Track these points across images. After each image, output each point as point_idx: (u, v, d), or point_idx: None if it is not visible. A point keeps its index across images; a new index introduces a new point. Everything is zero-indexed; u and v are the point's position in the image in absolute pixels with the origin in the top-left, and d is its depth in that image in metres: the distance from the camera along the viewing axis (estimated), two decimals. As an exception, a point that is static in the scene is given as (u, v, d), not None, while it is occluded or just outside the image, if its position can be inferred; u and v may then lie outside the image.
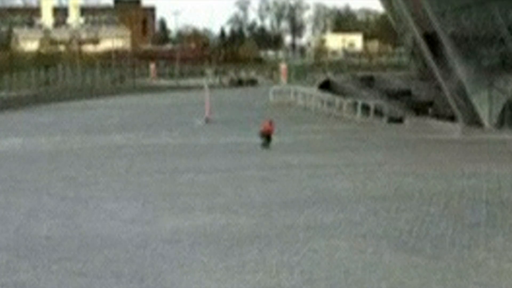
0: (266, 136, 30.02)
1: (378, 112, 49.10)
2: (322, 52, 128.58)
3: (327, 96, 58.86)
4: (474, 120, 49.40)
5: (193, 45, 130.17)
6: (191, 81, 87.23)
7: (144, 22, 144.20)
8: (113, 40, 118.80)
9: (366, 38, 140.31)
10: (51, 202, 17.31)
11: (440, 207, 15.89)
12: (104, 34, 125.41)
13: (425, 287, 10.36)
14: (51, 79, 74.78)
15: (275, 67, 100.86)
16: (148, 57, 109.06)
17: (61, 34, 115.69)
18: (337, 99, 54.37)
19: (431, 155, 28.73)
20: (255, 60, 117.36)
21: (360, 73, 79.85)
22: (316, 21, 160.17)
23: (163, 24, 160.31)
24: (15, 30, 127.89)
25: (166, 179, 21.51)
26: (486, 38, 49.82)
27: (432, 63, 55.13)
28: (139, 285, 10.51)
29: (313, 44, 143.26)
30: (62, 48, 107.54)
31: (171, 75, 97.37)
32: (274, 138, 30.56)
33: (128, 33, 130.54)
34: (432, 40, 53.87)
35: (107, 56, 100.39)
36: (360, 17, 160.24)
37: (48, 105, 61.09)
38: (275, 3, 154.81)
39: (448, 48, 51.73)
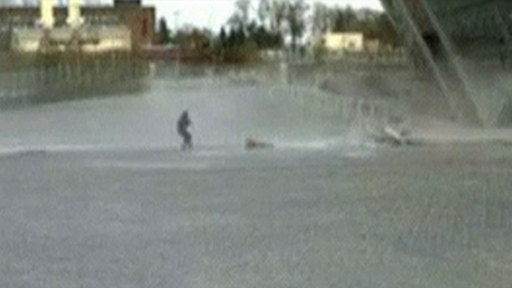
0: None
1: (378, 112, 49.14)
2: (322, 52, 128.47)
3: (327, 96, 58.91)
4: (474, 120, 49.40)
5: (193, 45, 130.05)
6: (191, 81, 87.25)
7: (144, 22, 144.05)
8: (113, 40, 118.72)
9: (366, 38, 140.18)
10: (51, 202, 17.31)
11: (440, 207, 15.88)
12: (104, 34, 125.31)
13: (425, 287, 10.36)
14: (51, 79, 74.77)
15: (275, 67, 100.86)
16: (148, 57, 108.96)
17: (61, 34, 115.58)
18: (337, 99, 54.43)
19: (431, 155, 28.73)
20: (255, 60, 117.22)
21: (360, 73, 79.85)
22: (316, 21, 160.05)
23: (163, 24, 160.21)
24: (15, 30, 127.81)
25: (166, 179, 21.51)
26: (486, 38, 49.86)
27: (432, 63, 55.14)
28: (139, 285, 10.51)
29: (313, 44, 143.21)
30: (62, 48, 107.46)
31: (171, 75, 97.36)
32: (275, 138, 30.61)
33: (128, 33, 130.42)
34: (432, 40, 53.89)
35: (107, 56, 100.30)
36: (360, 17, 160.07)
37: (48, 105, 61.10)
38: (275, 3, 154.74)
39: (448, 48, 51.73)
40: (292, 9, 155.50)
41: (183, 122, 34.34)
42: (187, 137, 34.21)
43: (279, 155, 29.86)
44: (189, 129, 34.29)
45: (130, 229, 14.06)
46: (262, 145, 34.60)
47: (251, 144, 34.62)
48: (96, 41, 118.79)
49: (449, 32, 51.68)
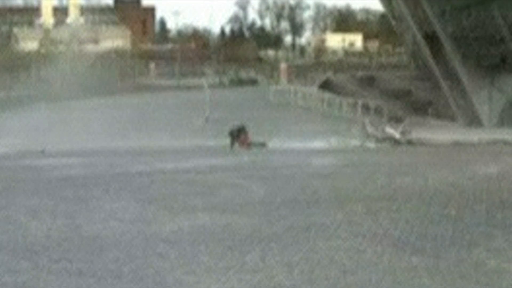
0: None
1: (378, 112, 49.19)
2: (322, 51, 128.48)
3: (327, 96, 58.92)
4: (474, 120, 49.45)
5: (193, 45, 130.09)
6: (191, 81, 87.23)
7: (144, 22, 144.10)
8: (113, 40, 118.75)
9: (366, 38, 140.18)
10: (51, 202, 17.30)
11: (440, 207, 15.88)
12: (104, 34, 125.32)
13: (425, 287, 10.36)
14: (50, 79, 74.83)
15: (275, 67, 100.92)
16: (148, 57, 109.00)
17: (61, 34, 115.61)
18: (337, 99, 54.45)
19: (431, 155, 28.71)
20: (255, 60, 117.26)
21: (360, 73, 79.88)
22: (316, 21, 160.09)
23: (163, 24, 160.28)
24: (15, 30, 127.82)
25: (166, 179, 21.50)
26: (486, 38, 49.85)
27: (432, 63, 55.13)
28: (139, 285, 10.51)
29: (313, 44, 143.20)
30: (62, 48, 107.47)
31: (171, 75, 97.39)
32: (275, 139, 30.58)
33: (128, 33, 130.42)
34: (432, 40, 53.86)
35: (107, 56, 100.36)
36: (360, 17, 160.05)
37: (48, 105, 61.07)
38: (275, 3, 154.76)
39: (448, 48, 51.71)
40: (292, 9, 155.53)
41: (236, 133, 35.65)
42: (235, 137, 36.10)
43: (271, 156, 29.86)
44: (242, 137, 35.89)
45: (130, 229, 14.06)
46: (255, 145, 34.42)
47: (243, 144, 34.32)
48: (96, 41, 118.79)
49: (449, 32, 51.65)
